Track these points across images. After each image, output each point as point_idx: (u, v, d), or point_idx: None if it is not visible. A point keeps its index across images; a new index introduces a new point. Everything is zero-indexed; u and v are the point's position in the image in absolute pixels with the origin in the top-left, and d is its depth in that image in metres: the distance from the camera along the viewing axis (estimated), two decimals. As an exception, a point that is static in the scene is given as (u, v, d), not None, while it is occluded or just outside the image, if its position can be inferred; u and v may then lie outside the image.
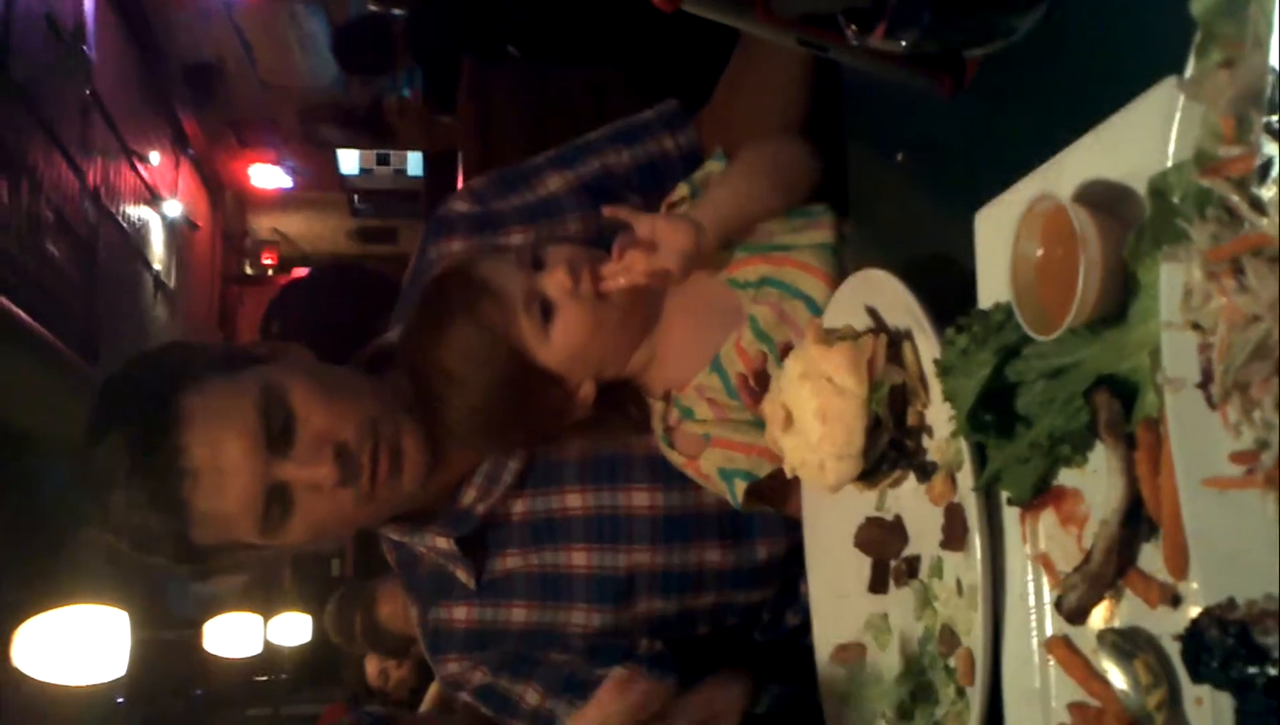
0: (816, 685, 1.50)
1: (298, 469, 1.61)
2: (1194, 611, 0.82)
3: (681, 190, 1.76)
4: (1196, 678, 0.81)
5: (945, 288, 1.25)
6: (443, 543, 1.81)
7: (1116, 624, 0.99)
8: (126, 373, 1.72)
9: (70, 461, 1.69)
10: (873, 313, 1.38)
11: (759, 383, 1.57)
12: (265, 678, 8.97)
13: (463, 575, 1.82)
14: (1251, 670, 0.76)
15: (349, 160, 13.35)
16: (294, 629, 7.64)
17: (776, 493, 1.63)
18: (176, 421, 1.59)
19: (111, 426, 1.63)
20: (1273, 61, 0.75)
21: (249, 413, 1.61)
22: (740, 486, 1.60)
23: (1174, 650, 0.89)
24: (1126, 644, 0.95)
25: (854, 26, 0.97)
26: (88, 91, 8.77)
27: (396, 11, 6.44)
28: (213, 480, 1.59)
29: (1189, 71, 0.83)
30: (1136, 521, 0.95)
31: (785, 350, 1.50)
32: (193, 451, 1.58)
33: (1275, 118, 0.75)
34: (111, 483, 1.61)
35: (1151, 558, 0.95)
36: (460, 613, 1.86)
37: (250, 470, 1.60)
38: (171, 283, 11.68)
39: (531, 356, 1.60)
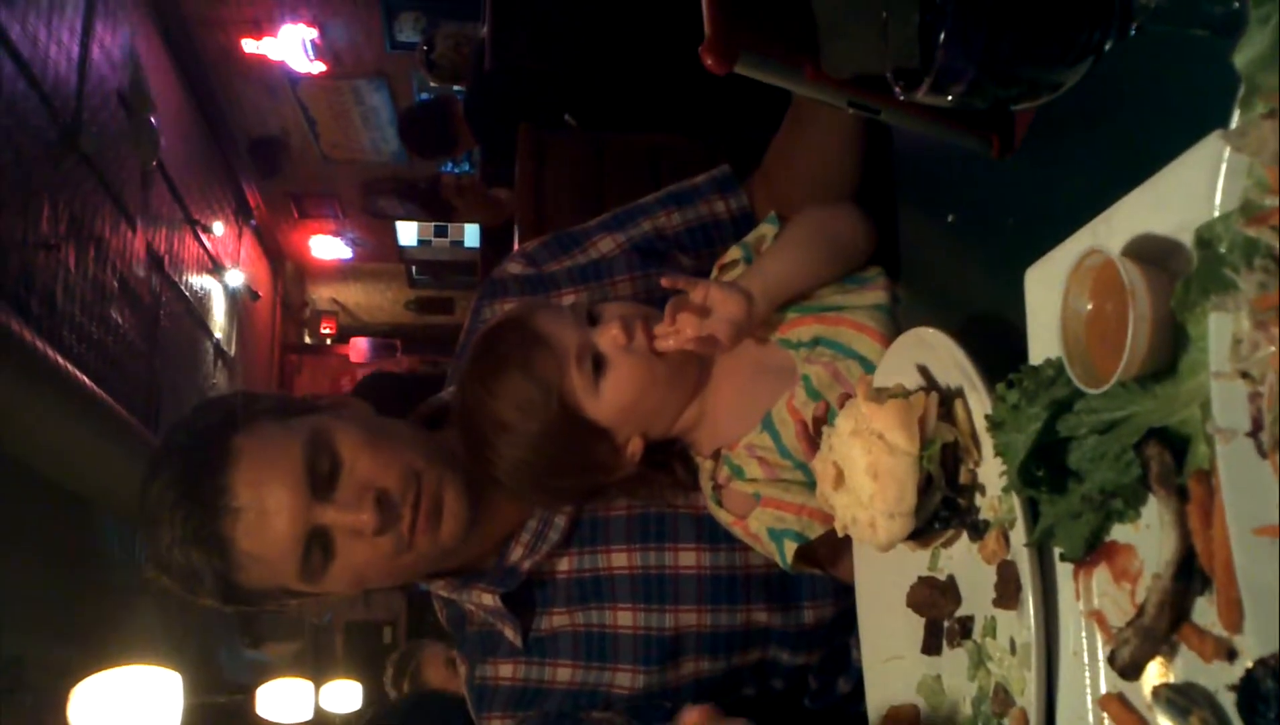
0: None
1: (339, 514, 1.64)
2: (1249, 664, 0.81)
3: (734, 252, 1.78)
4: (1252, 729, 0.80)
5: (996, 346, 1.25)
6: (489, 599, 1.82)
7: (1171, 679, 0.97)
8: (187, 416, 1.77)
9: (127, 525, 1.74)
10: (924, 371, 1.38)
11: (819, 432, 1.58)
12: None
13: (509, 633, 1.83)
14: (1307, 721, 0.75)
15: (407, 232, 13.56)
16: (345, 696, 7.64)
17: (826, 554, 1.63)
18: (224, 460, 1.64)
19: (166, 464, 1.68)
20: (1318, 111, 0.75)
21: (295, 456, 1.64)
22: (790, 547, 1.60)
23: (1230, 705, 0.88)
24: (1182, 699, 0.94)
25: (901, 84, 0.98)
26: (154, 163, 8.98)
27: (457, 89, 6.57)
28: (255, 520, 1.63)
29: (1234, 123, 0.84)
30: (1189, 575, 0.94)
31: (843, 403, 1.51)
32: (238, 490, 1.63)
33: (1321, 167, 0.76)
34: (161, 518, 1.65)
35: (1205, 611, 0.94)
36: (506, 670, 1.87)
37: (292, 512, 1.63)
38: (232, 351, 11.87)
39: (581, 410, 1.61)
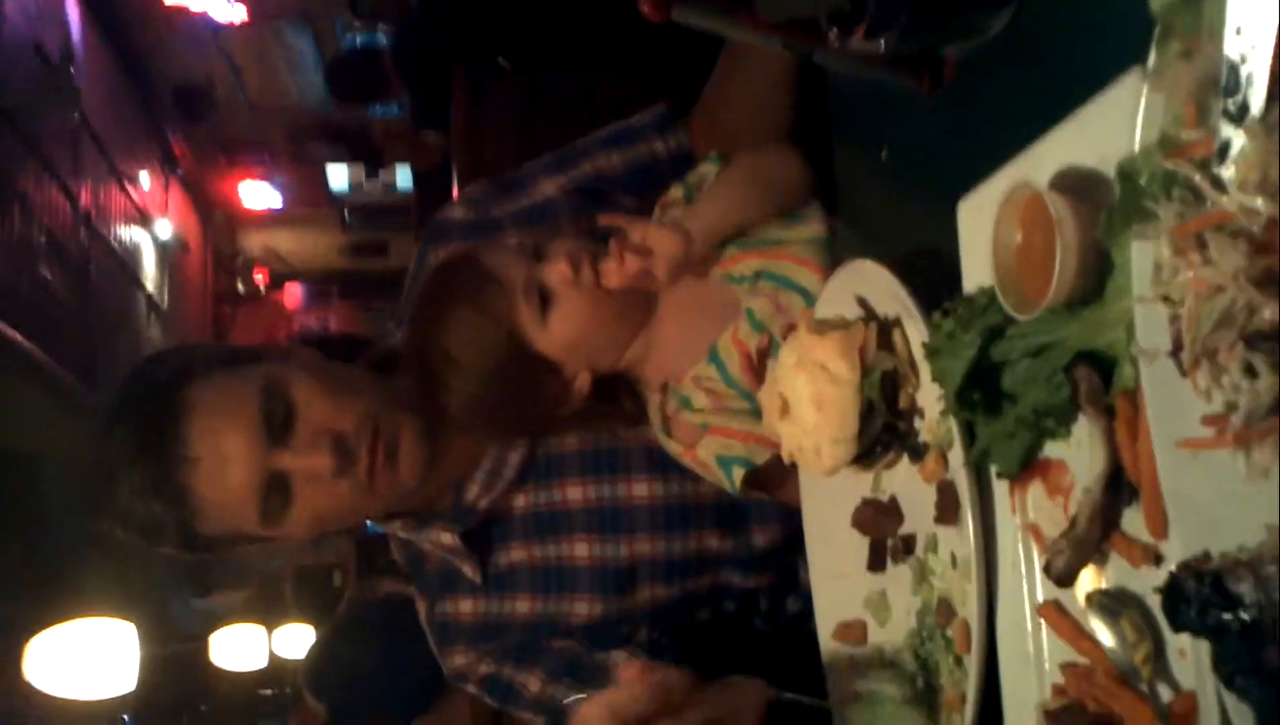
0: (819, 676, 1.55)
1: (296, 459, 1.67)
2: (1173, 567, 0.87)
3: (676, 191, 1.81)
4: (1176, 627, 0.86)
5: (931, 276, 1.30)
6: (447, 538, 1.86)
7: (1103, 585, 1.04)
8: (137, 370, 1.80)
9: (72, 480, 1.76)
10: (863, 302, 1.43)
11: (763, 363, 1.63)
12: (271, 691, 8.99)
13: (468, 570, 1.87)
14: (1226, 617, 0.81)
15: (338, 177, 13.39)
16: (298, 640, 7.65)
17: (773, 479, 1.68)
18: (180, 411, 1.66)
19: (120, 419, 1.70)
20: (1227, 51, 0.80)
21: (250, 403, 1.67)
22: (738, 473, 1.65)
23: (1157, 607, 0.94)
24: (1113, 603, 1.01)
25: (835, 29, 1.02)
26: (76, 116, 8.80)
27: (381, 34, 6.49)
28: (214, 468, 1.65)
29: (1151, 63, 0.89)
30: (1118, 487, 1.01)
31: (786, 334, 1.56)
32: (195, 440, 1.65)
33: (1231, 102, 0.81)
34: (119, 472, 1.67)
35: (1133, 521, 1.00)
36: (466, 606, 1.91)
37: (250, 459, 1.66)
38: (164, 303, 11.72)
39: (530, 344, 1.65)
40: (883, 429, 1.37)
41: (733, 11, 1.32)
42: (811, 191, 1.76)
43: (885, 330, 1.37)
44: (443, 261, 1.77)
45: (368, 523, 2.02)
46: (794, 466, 1.52)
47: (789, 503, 1.68)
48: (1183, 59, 0.85)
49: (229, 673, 7.12)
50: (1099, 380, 1.01)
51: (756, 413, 1.57)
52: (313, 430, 1.68)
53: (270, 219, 14.51)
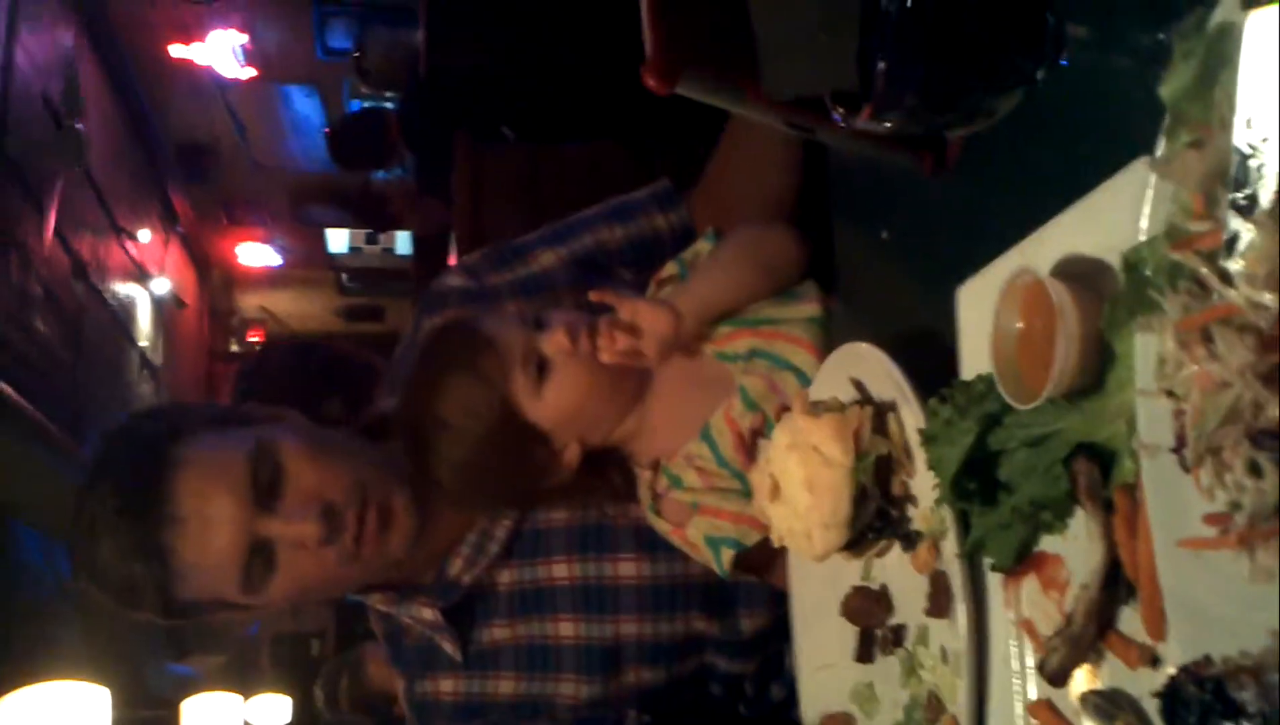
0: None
1: (283, 526, 1.63)
2: (1172, 671, 0.84)
3: (671, 268, 1.80)
4: (1174, 734, 0.83)
5: (929, 361, 1.28)
6: (428, 614, 1.82)
7: (1098, 686, 1.01)
8: (124, 425, 1.76)
9: (49, 536, 1.72)
10: (858, 385, 1.41)
11: (755, 442, 1.61)
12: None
13: (448, 647, 1.83)
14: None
15: (338, 239, 13.42)
16: (273, 711, 7.55)
17: (762, 562, 1.66)
18: (168, 468, 1.62)
19: (104, 473, 1.66)
20: (1237, 142, 0.79)
21: (239, 466, 1.63)
22: (727, 554, 1.62)
23: (1154, 710, 0.91)
24: (1108, 705, 0.97)
25: (841, 108, 1.01)
26: (80, 169, 8.84)
27: (388, 101, 6.51)
28: (198, 529, 1.61)
29: (1160, 151, 0.88)
30: (1115, 585, 0.98)
31: (779, 414, 1.54)
32: (181, 499, 1.61)
33: (1241, 195, 0.79)
34: (100, 527, 1.63)
35: (1130, 620, 0.97)
36: (447, 685, 1.87)
37: (236, 522, 1.62)
38: (158, 360, 11.68)
39: (522, 412, 1.64)
40: (875, 515, 1.35)
41: (737, 87, 1.31)
42: (805, 271, 1.75)
43: (880, 414, 1.35)
44: (440, 325, 1.76)
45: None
46: (784, 549, 1.49)
47: (778, 586, 1.66)
48: (1192, 149, 0.84)
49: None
50: (1098, 474, 0.99)
51: (748, 493, 1.55)
52: (302, 497, 1.64)
53: (267, 279, 14.52)
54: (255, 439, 1.67)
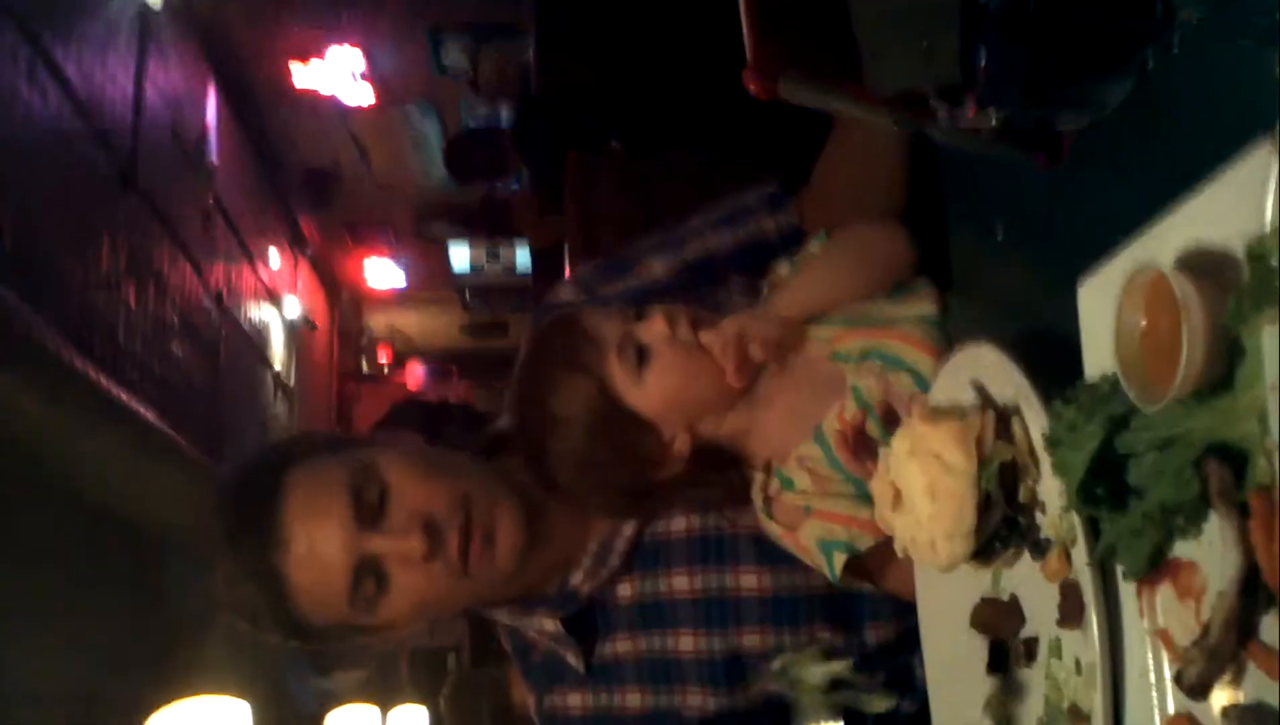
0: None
1: (388, 542, 1.65)
2: (1318, 683, 0.80)
3: (783, 269, 1.78)
4: (1323, 751, 0.78)
5: (1051, 361, 1.24)
6: (550, 625, 1.82)
7: (1240, 699, 0.96)
8: (248, 456, 1.83)
9: (194, 557, 1.78)
10: (979, 388, 1.37)
11: (858, 442, 1.58)
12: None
13: (571, 658, 1.83)
14: (1380, 742, 0.74)
15: (460, 258, 13.62)
16: (411, 720, 7.66)
17: (876, 568, 1.63)
18: (275, 494, 1.67)
19: (223, 502, 1.73)
20: (1368, 121, 0.74)
21: (342, 485, 1.67)
22: (839, 559, 1.60)
23: (1301, 725, 0.87)
24: (1251, 719, 0.92)
25: (946, 103, 0.98)
26: (210, 197, 9.10)
27: (504, 119, 6.60)
28: (305, 552, 1.65)
29: (1282, 134, 0.83)
30: (1254, 592, 0.93)
31: (885, 411, 1.54)
32: (287, 523, 1.65)
33: (1374, 177, 0.75)
34: (218, 555, 1.69)
35: (1272, 629, 0.92)
36: (575, 700, 1.87)
37: (340, 540, 1.65)
38: (291, 381, 11.98)
39: (624, 399, 1.64)
40: (1002, 523, 1.30)
41: (840, 86, 1.28)
42: (915, 269, 1.72)
43: (1003, 419, 1.31)
44: (546, 324, 1.77)
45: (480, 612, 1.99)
46: (896, 554, 1.45)
47: (893, 592, 1.63)
48: (1318, 131, 0.79)
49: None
50: (1231, 476, 0.94)
51: (861, 496, 1.52)
52: (406, 513, 1.67)
53: (395, 299, 14.80)
54: (359, 458, 1.71)
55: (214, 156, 9.07)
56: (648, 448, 1.69)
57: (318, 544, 1.65)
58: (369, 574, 1.66)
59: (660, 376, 1.65)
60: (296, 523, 1.65)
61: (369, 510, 1.66)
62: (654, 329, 1.66)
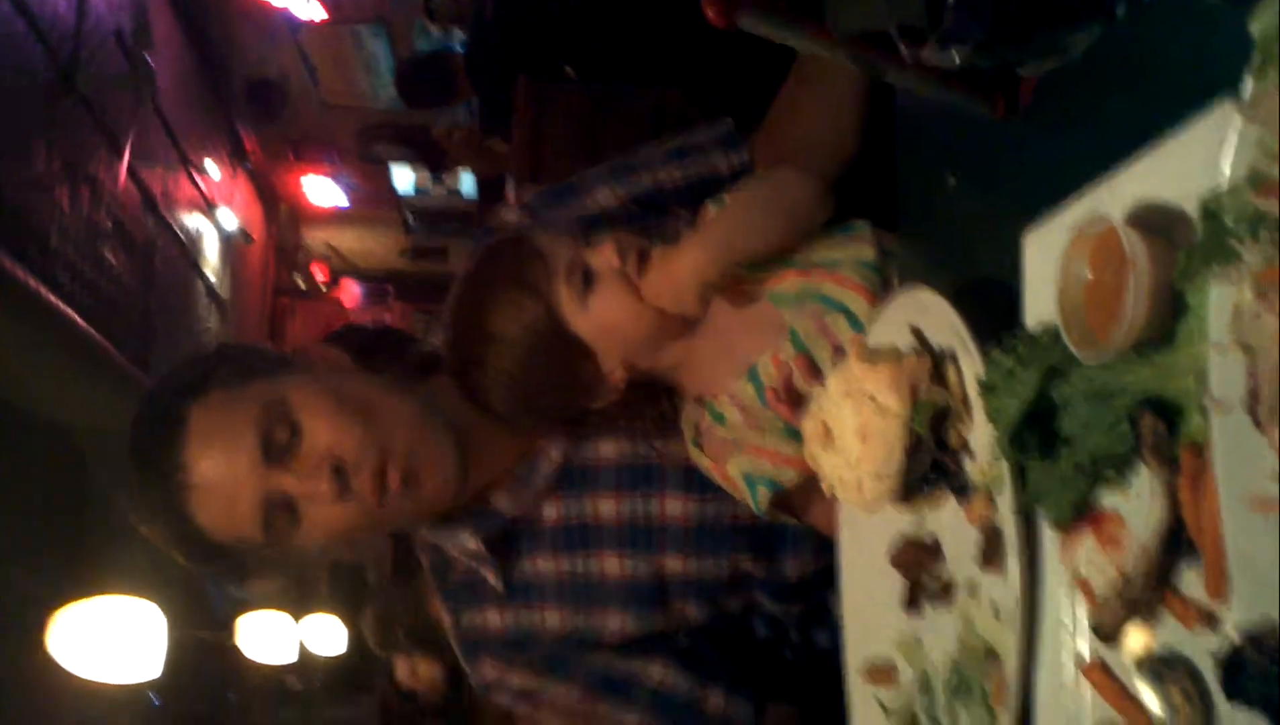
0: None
1: (297, 482, 1.63)
2: (1232, 634, 0.81)
3: (712, 211, 1.77)
4: (1232, 698, 0.80)
5: (991, 309, 1.24)
6: (471, 543, 1.82)
7: (1154, 647, 0.98)
8: (160, 379, 1.78)
9: (116, 463, 1.75)
10: (917, 332, 1.37)
11: (788, 395, 1.59)
12: (299, 687, 8.98)
13: (490, 577, 1.83)
14: (1288, 692, 0.75)
15: (404, 179, 13.44)
16: (329, 635, 7.62)
17: (800, 503, 1.65)
18: (181, 428, 1.63)
19: (133, 433, 1.69)
20: (1330, 81, 0.75)
21: (250, 426, 1.62)
22: (764, 493, 1.61)
23: (1210, 674, 0.88)
24: (1163, 667, 0.94)
25: (907, 43, 0.97)
26: (151, 104, 8.90)
27: (458, 42, 6.51)
28: (212, 494, 1.62)
29: (1246, 92, 0.83)
30: (1176, 545, 0.94)
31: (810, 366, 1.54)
32: (191, 465, 1.62)
33: (1331, 138, 0.75)
34: (130, 486, 1.67)
35: (1190, 581, 0.94)
36: (494, 617, 1.87)
37: (248, 482, 1.62)
38: (224, 293, 11.81)
39: (568, 323, 1.64)
40: (929, 467, 1.31)
41: (801, 22, 1.27)
42: (826, 217, 1.71)
43: (939, 363, 1.32)
44: (494, 241, 1.75)
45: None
46: (822, 490, 1.46)
47: (816, 527, 1.65)
48: (1281, 89, 0.79)
49: (258, 663, 7.08)
50: (1164, 430, 0.95)
51: (789, 433, 1.52)
52: (315, 455, 1.63)
53: (334, 217, 14.57)
54: (269, 396, 1.66)
55: (157, 63, 8.85)
56: (584, 375, 1.68)
57: (224, 482, 1.61)
58: (280, 509, 1.63)
59: (605, 303, 1.64)
60: (202, 461, 1.61)
61: (278, 449, 1.62)
62: (604, 256, 1.64)
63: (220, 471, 1.61)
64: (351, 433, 1.65)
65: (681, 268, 1.64)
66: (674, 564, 1.78)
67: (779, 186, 1.73)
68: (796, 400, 1.60)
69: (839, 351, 1.49)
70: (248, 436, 1.62)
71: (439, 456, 1.71)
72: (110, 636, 4.44)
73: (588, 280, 1.64)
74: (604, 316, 1.64)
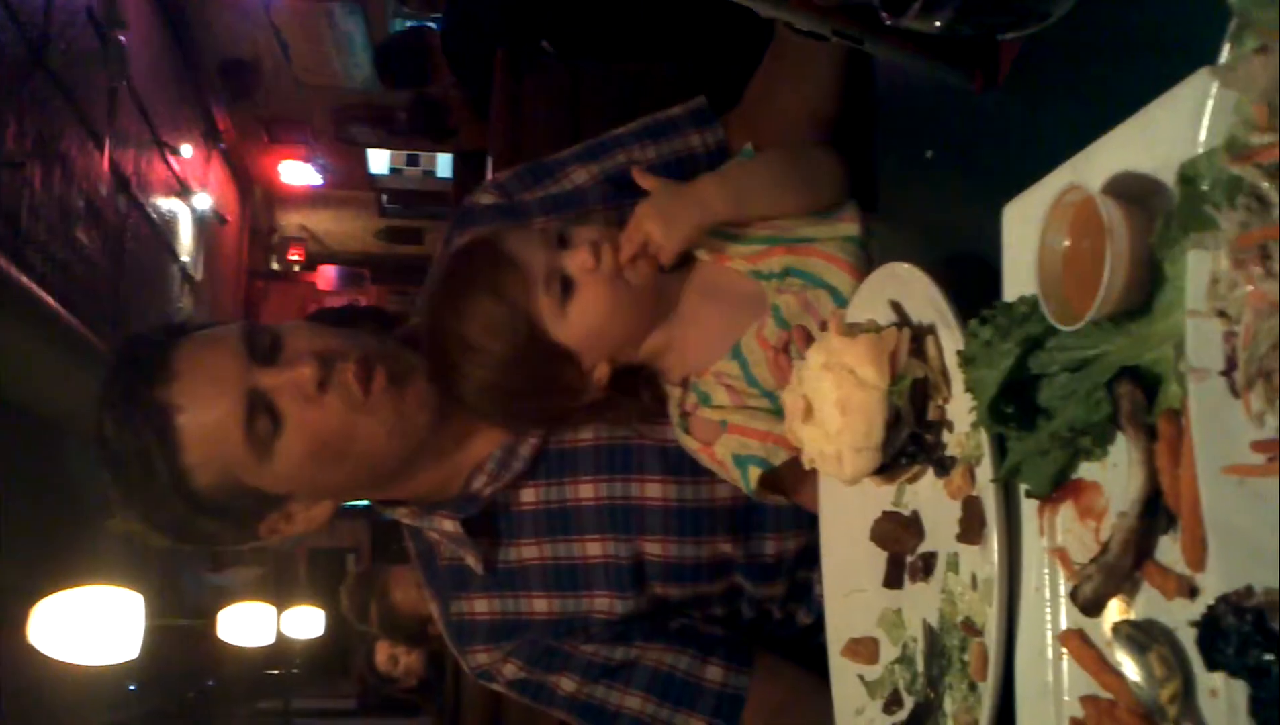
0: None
1: (279, 373, 1.64)
2: (1211, 602, 0.81)
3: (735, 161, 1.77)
4: (1211, 665, 0.80)
5: (971, 283, 1.24)
6: (449, 525, 1.80)
7: (1132, 616, 0.98)
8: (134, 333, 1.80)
9: (91, 446, 1.72)
10: (897, 306, 1.37)
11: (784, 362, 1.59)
12: (277, 671, 8.98)
13: (471, 560, 1.82)
14: (1267, 657, 0.75)
15: (378, 160, 13.39)
16: (307, 622, 7.65)
17: (790, 482, 1.64)
18: (166, 349, 1.66)
19: (117, 353, 1.73)
20: (1308, 47, 0.75)
21: (233, 335, 1.67)
22: (754, 473, 1.61)
23: (1189, 642, 0.88)
24: (1142, 636, 0.94)
25: (888, 11, 0.97)
26: (123, 82, 8.83)
27: (433, 21, 6.46)
28: (194, 385, 1.63)
29: (1223, 59, 0.83)
30: (1155, 513, 0.95)
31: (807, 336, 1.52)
32: (176, 360, 1.64)
33: (1308, 105, 0.75)
34: (102, 404, 1.66)
35: (1169, 550, 0.94)
36: (481, 604, 1.87)
37: (231, 376, 1.63)
38: (198, 275, 11.75)
39: (548, 332, 1.62)
40: (909, 439, 1.32)
41: (781, -9, 1.27)
42: (846, 193, 1.71)
43: (918, 336, 1.32)
44: (463, 245, 1.73)
45: (382, 512, 1.95)
46: (813, 471, 1.46)
47: (806, 507, 1.64)
48: (1258, 55, 0.79)
49: (236, 649, 7.10)
50: (1142, 398, 0.95)
51: (777, 412, 1.52)
52: (298, 350, 1.65)
53: (309, 198, 14.52)
54: (252, 324, 1.71)
55: (128, 40, 8.78)
56: (566, 378, 1.68)
57: (207, 379, 1.63)
58: (261, 410, 1.63)
59: (584, 309, 1.63)
60: (185, 357, 1.64)
61: (261, 351, 1.65)
62: (578, 260, 1.63)
63: (204, 362, 1.64)
64: (335, 337, 1.69)
65: (690, 198, 1.64)
66: (653, 547, 1.77)
67: (806, 157, 1.74)
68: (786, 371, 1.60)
69: (822, 327, 1.49)
70: (232, 340, 1.66)
71: (419, 376, 1.71)
72: (90, 623, 4.48)
73: (566, 288, 1.62)
74: (585, 323, 1.63)
